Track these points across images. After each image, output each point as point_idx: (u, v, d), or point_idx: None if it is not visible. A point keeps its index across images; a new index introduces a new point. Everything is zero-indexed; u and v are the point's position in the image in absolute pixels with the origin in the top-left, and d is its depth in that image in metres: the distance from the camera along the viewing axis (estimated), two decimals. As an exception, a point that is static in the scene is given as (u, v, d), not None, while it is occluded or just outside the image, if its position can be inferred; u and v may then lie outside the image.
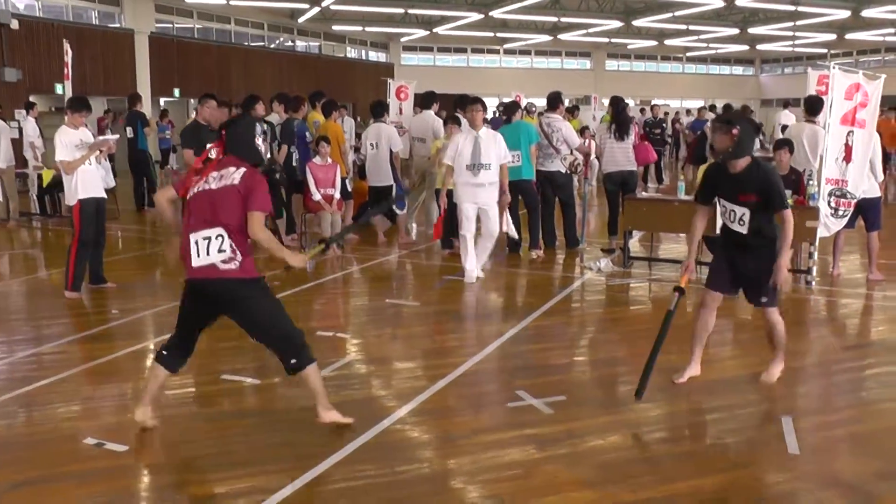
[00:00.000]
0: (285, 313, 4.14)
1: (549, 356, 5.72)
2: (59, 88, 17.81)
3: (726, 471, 3.86)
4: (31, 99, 15.36)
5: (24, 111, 13.47)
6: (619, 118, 9.32)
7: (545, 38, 31.96)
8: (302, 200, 10.17)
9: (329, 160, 9.75)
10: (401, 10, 27.19)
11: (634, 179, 9.39)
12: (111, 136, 7.79)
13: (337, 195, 9.74)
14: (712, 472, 3.82)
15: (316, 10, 25.82)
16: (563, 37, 31.43)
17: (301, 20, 28.06)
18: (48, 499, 3.55)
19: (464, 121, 9.22)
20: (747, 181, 4.58)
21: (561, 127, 9.35)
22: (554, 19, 28.56)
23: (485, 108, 8.30)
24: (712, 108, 20.02)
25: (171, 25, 24.41)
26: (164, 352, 4.23)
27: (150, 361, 5.44)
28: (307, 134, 10.31)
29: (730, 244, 4.81)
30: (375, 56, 34.41)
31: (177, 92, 23.42)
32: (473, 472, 3.81)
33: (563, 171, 9.47)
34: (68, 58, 11.50)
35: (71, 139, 7.15)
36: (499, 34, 32.05)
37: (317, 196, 9.61)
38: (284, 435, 4.26)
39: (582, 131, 14.85)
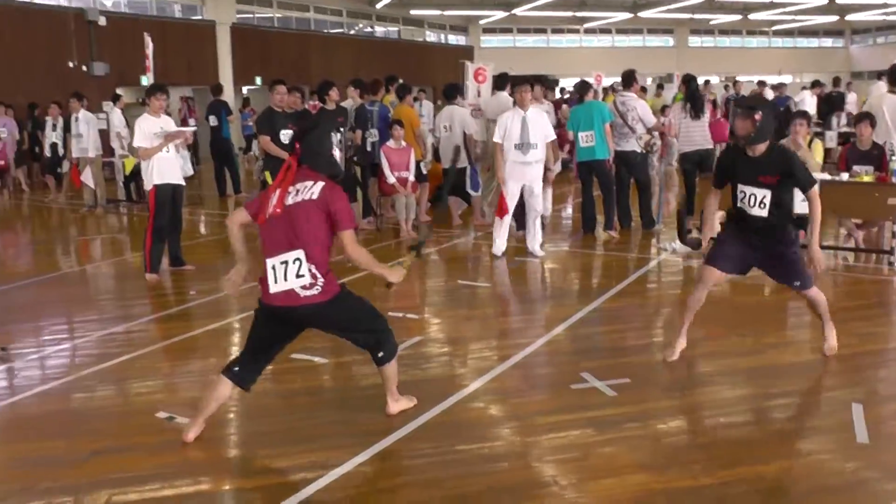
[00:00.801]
0: (367, 309, 4.02)
1: (617, 338, 5.64)
2: (143, 80, 18.49)
3: (790, 457, 3.73)
4: (118, 91, 15.96)
5: (111, 103, 14.01)
6: (692, 96, 9.06)
7: (625, 15, 31.22)
8: (377, 184, 10.31)
9: (403, 143, 9.82)
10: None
11: (711, 158, 9.10)
12: (189, 128, 8.03)
13: (411, 178, 9.81)
14: (775, 459, 3.70)
15: (394, -6, 26.00)
16: (644, 14, 30.64)
17: (379, 6, 28.27)
18: (120, 466, 3.73)
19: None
20: (767, 163, 4.62)
21: (636, 105, 9.16)
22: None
23: (551, 87, 8.25)
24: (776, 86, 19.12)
25: (251, 16, 24.97)
26: (235, 368, 3.95)
27: (225, 342, 5.72)
28: (388, 116, 10.42)
29: (747, 229, 4.79)
30: (455, 39, 34.37)
31: (258, 80, 23.97)
32: (531, 453, 3.80)
33: (639, 150, 9.28)
34: (149, 50, 11.90)
35: (150, 127, 7.41)
36: (578, 13, 31.50)
37: (391, 179, 9.70)
38: (349, 413, 4.34)
39: (663, 110, 14.53)
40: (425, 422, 4.15)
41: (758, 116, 4.55)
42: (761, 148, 4.66)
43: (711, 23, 35.09)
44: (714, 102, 15.49)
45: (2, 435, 4.28)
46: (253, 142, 19.43)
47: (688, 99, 9.11)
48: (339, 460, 3.71)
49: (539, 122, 8.01)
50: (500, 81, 11.03)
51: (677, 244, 8.36)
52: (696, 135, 8.92)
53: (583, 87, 9.57)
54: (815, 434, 4.05)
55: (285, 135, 8.74)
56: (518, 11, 29.44)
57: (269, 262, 3.77)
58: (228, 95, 21.87)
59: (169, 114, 7.84)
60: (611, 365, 5.02)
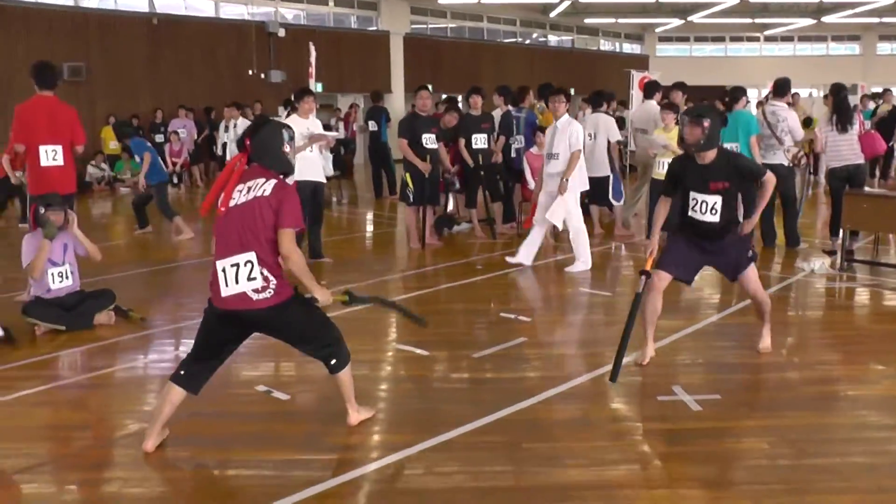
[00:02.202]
0: (318, 318, 3.91)
1: (722, 354, 5.44)
2: (318, 87, 19.70)
3: (867, 493, 3.48)
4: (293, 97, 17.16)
5: (283, 108, 15.10)
6: (839, 107, 8.45)
7: (808, 21, 29.24)
8: (520, 189, 10.49)
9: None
10: (650, 0, 26.44)
11: (862, 174, 8.44)
12: (332, 133, 8.55)
13: (552, 184, 9.88)
14: (851, 492, 3.47)
15: (566, 3, 25.95)
16: (828, 19, 28.53)
17: (552, 15, 28.34)
18: (213, 430, 4.16)
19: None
20: (717, 169, 4.73)
21: (786, 116, 8.69)
22: (813, 0, 26.07)
23: (567, 99, 8.22)
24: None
25: (425, 26, 25.87)
26: (181, 372, 3.85)
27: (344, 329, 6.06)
28: (535, 122, 10.56)
29: (697, 234, 4.90)
30: (630, 48, 33.79)
31: (429, 87, 24.78)
32: (590, 457, 3.80)
33: (786, 163, 8.80)
34: (312, 59, 12.70)
35: (298, 128, 7.97)
36: (757, 20, 29.95)
37: (532, 184, 9.82)
38: (429, 403, 4.54)
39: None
40: (499, 417, 4.26)
41: (706, 124, 4.63)
42: (710, 155, 4.74)
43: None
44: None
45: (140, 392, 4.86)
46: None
47: (834, 110, 8.52)
48: (405, 444, 3.90)
49: (565, 132, 7.96)
50: (651, 90, 10.84)
51: (817, 264, 7.87)
52: (844, 149, 8.30)
53: (733, 96, 9.20)
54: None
55: (427, 138, 9.10)
56: (694, 18, 28.44)
57: (220, 263, 3.67)
58: (399, 102, 22.86)
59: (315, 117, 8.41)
60: (707, 380, 4.90)
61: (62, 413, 4.57)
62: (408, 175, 9.13)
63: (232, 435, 4.10)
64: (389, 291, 7.31)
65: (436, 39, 25.82)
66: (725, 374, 5.04)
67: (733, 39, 33.41)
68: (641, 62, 31.57)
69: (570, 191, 7.98)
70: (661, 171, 8.65)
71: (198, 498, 3.57)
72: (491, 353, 5.39)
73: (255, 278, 3.63)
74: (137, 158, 10.58)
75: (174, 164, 15.82)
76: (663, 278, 4.99)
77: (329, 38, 21.81)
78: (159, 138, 16.45)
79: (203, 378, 3.89)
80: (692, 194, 4.81)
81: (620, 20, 30.50)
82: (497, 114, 10.72)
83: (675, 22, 29.97)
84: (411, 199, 9.16)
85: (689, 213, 4.87)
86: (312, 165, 8.09)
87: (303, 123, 8.07)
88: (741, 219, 5.05)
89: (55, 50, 16.42)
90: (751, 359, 5.34)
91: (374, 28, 23.91)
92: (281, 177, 3.78)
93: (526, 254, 8.19)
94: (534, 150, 9.91)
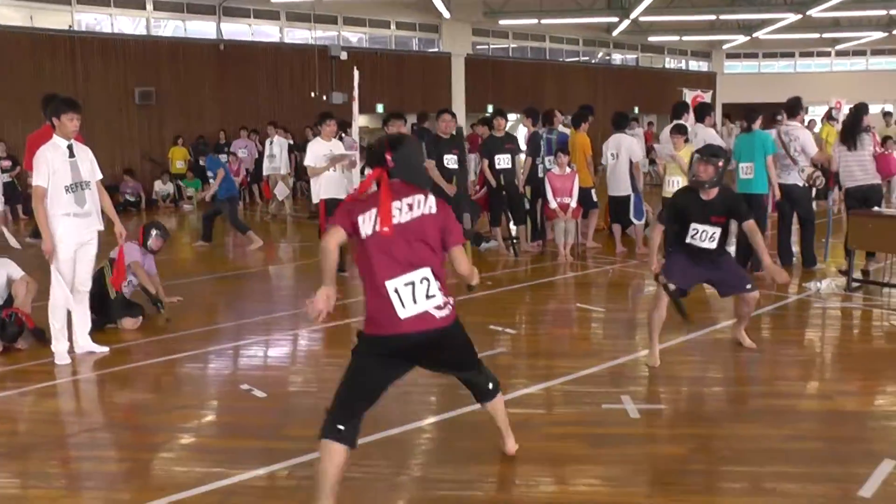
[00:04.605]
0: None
1: (682, 369, 5.57)
2: (379, 108, 20.42)
3: (764, 495, 3.71)
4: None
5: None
6: (847, 125, 8.44)
7: (879, 34, 28.37)
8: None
9: (567, 170, 10.19)
10: (712, 17, 26.24)
11: (878, 194, 8.40)
12: (352, 153, 9.14)
13: (573, 204, 10.15)
14: (749, 494, 3.72)
15: (626, 22, 26.05)
16: (901, 31, 27.67)
17: (615, 33, 28.46)
18: (189, 419, 4.69)
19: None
20: (719, 204, 5.25)
21: (799, 135, 8.75)
22: (883, 12, 25.33)
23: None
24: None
25: (486, 47, 26.39)
26: (339, 427, 3.35)
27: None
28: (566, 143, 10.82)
29: (693, 256, 5.40)
30: (696, 65, 33.53)
31: (489, 108, 25.27)
32: (509, 455, 4.13)
33: (801, 184, 8.86)
34: (355, 83, 13.18)
35: (320, 149, 8.59)
36: (826, 35, 29.28)
37: (553, 204, 10.12)
38: (387, 402, 4.91)
39: (884, 142, 13.43)
40: (444, 418, 4.66)
41: (720, 164, 5.14)
42: (714, 191, 5.24)
43: None
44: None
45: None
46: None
47: (845, 128, 8.52)
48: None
49: None
50: (702, 112, 10.60)
51: (823, 284, 7.91)
52: (855, 168, 8.27)
53: (750, 115, 9.29)
54: (810, 483, 3.86)
55: (448, 159, 9.53)
56: (759, 34, 28.05)
57: (391, 284, 3.36)
58: (461, 121, 23.36)
59: (341, 139, 8.97)
60: (656, 392, 5.16)
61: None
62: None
63: (206, 424, 4.66)
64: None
65: (497, 60, 26.30)
66: (678, 386, 5.28)
67: (803, 55, 32.71)
68: (709, 79, 31.28)
69: None
70: (670, 189, 8.84)
71: (160, 478, 4.06)
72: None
73: (433, 295, 3.42)
74: (210, 174, 11.46)
75: (233, 182, 16.75)
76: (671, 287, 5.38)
77: (391, 60, 22.58)
78: (223, 158, 17.40)
79: (359, 428, 3.43)
80: (694, 225, 5.29)
81: (685, 38, 30.32)
82: (522, 133, 11.08)
83: (741, 39, 29.62)
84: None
85: (688, 240, 5.33)
86: (337, 184, 8.66)
87: (325, 146, 8.65)
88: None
89: (128, 76, 17.71)
90: (709, 373, 5.55)
91: (436, 50, 24.57)
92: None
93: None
94: (555, 170, 10.21)
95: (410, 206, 3.43)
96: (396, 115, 8.62)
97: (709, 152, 5.24)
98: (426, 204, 3.45)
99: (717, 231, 5.26)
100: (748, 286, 5.45)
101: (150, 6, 18.89)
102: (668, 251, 5.71)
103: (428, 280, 3.39)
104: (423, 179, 3.58)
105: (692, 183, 5.31)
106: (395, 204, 3.40)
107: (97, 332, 6.38)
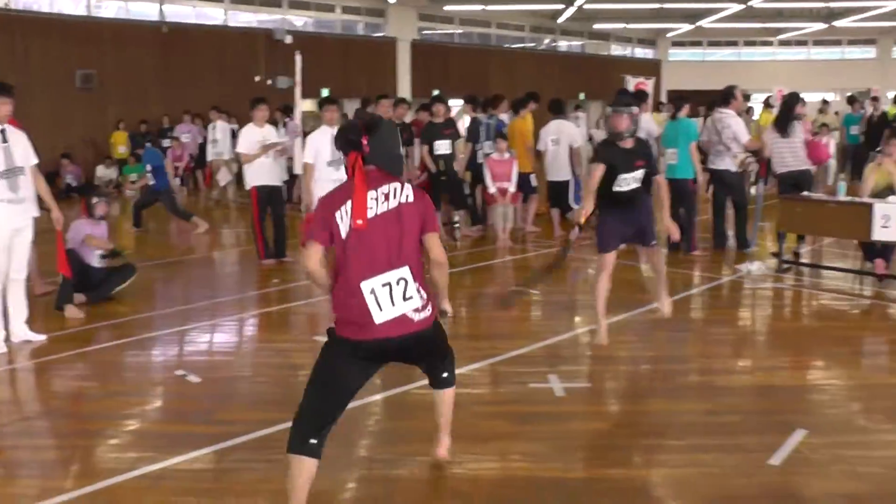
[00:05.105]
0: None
1: (616, 349, 5.69)
2: (323, 92, 20.21)
3: (677, 467, 3.90)
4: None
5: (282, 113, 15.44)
6: (780, 112, 8.76)
7: (820, 25, 29.14)
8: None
9: (506, 155, 10.32)
10: (657, 5, 26.61)
11: (807, 179, 8.71)
12: (283, 140, 9.14)
13: (512, 189, 10.28)
14: (659, 465, 3.89)
15: (572, 10, 26.26)
16: (840, 23, 28.40)
17: (560, 20, 28.66)
18: (125, 407, 4.71)
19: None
20: (639, 151, 5.52)
21: (730, 123, 9.02)
22: (823, 4, 25.96)
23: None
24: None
25: (433, 32, 26.35)
26: (312, 441, 3.16)
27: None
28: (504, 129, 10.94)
29: (620, 203, 5.52)
30: (642, 53, 33.97)
31: (435, 93, 25.25)
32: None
33: (733, 169, 9.14)
34: (298, 67, 13.06)
35: (253, 135, 8.52)
36: (769, 24, 29.95)
37: (492, 189, 10.25)
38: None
39: (820, 129, 13.97)
40: (376, 399, 4.72)
41: (636, 111, 5.43)
42: (632, 141, 5.49)
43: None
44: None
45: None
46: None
47: (777, 116, 8.82)
48: (279, 421, 4.37)
49: None
50: (638, 99, 10.82)
51: (754, 266, 8.18)
52: (787, 154, 8.57)
53: (677, 103, 9.55)
54: (728, 454, 4.03)
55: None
56: (704, 23, 28.56)
57: (366, 285, 3.13)
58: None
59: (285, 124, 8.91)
60: (585, 371, 5.33)
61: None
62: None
63: (141, 410, 4.70)
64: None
65: (443, 45, 26.29)
66: (608, 365, 5.44)
67: (747, 44, 33.37)
68: (654, 67, 31.75)
69: None
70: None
71: (94, 465, 4.07)
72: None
73: (411, 297, 3.19)
74: (148, 167, 11.32)
75: (176, 168, 16.49)
76: (610, 259, 5.61)
77: (336, 45, 22.42)
78: (167, 143, 17.12)
79: (327, 436, 3.23)
80: (622, 175, 5.43)
81: (630, 25, 30.71)
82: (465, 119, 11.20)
83: (686, 27, 30.10)
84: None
85: (614, 188, 5.48)
86: (269, 170, 8.62)
87: (258, 132, 8.58)
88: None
89: (69, 58, 17.27)
90: (641, 352, 5.74)
91: (382, 34, 24.46)
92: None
93: None
94: (495, 155, 10.32)
95: (386, 196, 3.18)
96: (329, 101, 8.26)
97: (620, 103, 5.46)
98: (402, 192, 3.21)
99: (639, 174, 5.48)
100: (653, 242, 5.68)
101: (90, -14, 18.45)
102: (600, 219, 5.74)
103: (405, 280, 3.17)
104: (399, 167, 3.35)
105: (611, 136, 5.51)
106: (371, 194, 3.16)
107: (93, 306, 6.76)
